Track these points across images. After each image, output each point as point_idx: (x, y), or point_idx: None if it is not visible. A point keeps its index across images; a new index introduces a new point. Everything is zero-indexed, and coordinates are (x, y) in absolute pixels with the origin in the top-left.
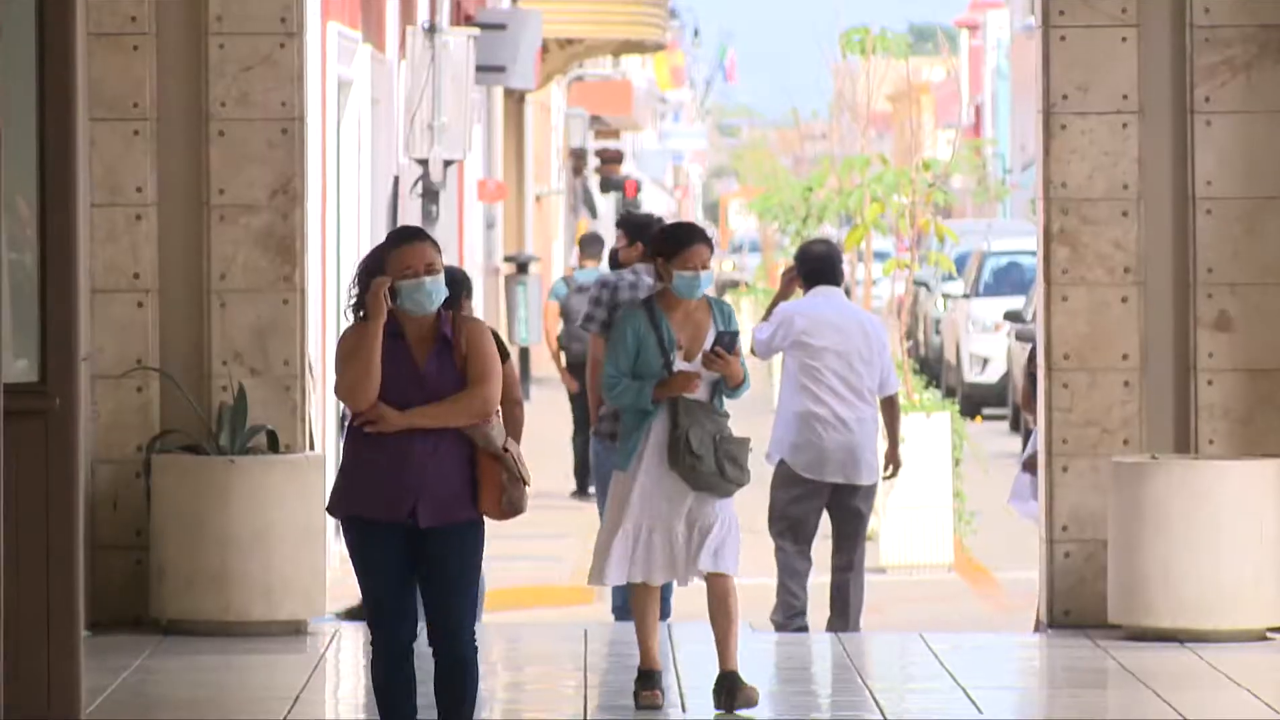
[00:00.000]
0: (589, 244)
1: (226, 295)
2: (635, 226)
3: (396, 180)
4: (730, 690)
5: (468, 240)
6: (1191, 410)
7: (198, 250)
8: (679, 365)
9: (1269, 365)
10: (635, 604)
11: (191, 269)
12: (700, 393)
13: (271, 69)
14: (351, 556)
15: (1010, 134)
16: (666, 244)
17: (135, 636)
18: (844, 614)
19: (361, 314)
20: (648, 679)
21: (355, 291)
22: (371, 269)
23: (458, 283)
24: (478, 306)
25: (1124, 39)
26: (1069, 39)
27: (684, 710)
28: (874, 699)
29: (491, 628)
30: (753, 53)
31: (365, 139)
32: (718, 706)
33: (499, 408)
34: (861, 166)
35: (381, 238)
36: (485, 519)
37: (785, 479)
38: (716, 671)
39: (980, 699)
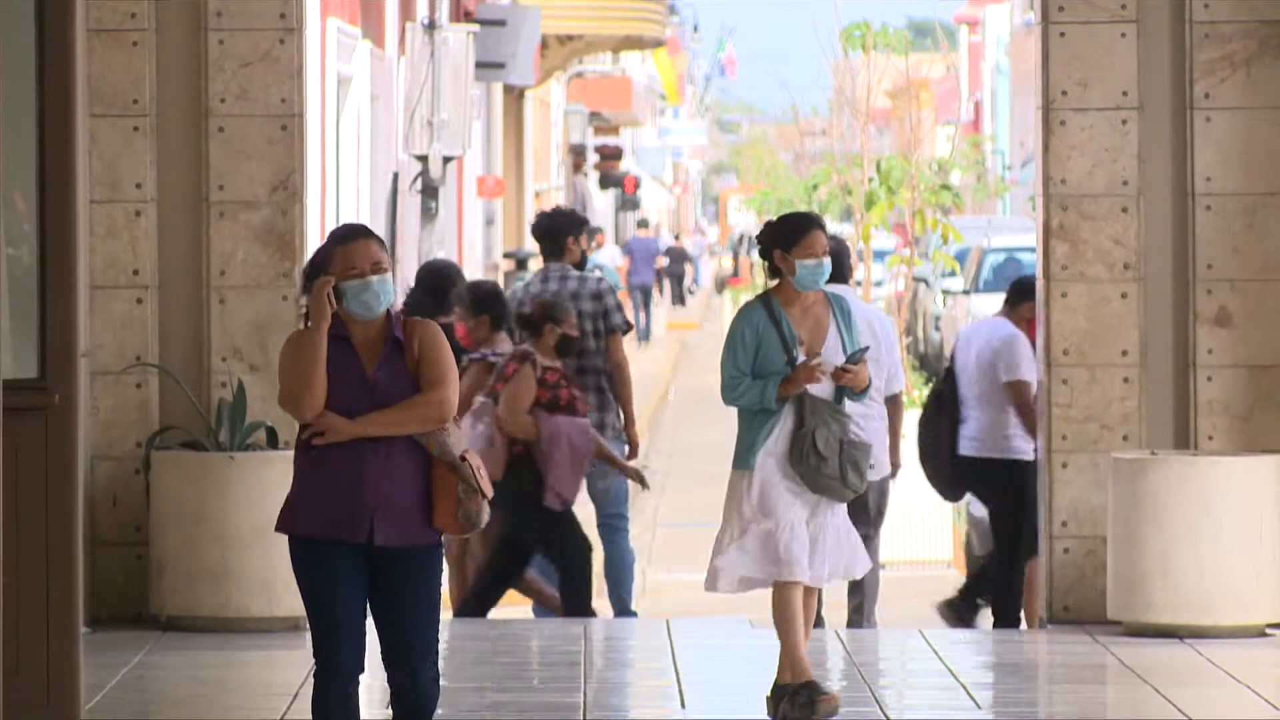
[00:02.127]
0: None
1: (226, 291)
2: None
3: (396, 176)
4: (810, 700)
5: (467, 236)
6: (1191, 406)
7: (197, 246)
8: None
9: (1269, 361)
10: (782, 608)
11: (191, 265)
12: (824, 389)
13: (271, 65)
14: (298, 577)
15: (1010, 130)
16: (784, 234)
17: (135, 633)
18: (859, 609)
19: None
20: (810, 689)
21: (304, 301)
22: (316, 271)
23: (446, 276)
24: None
25: (1123, 35)
26: (1068, 35)
27: (683, 708)
28: (874, 695)
29: (491, 624)
30: (752, 49)
31: (365, 135)
32: (780, 715)
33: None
34: (880, 168)
35: (381, 233)
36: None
37: None
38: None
39: (980, 695)
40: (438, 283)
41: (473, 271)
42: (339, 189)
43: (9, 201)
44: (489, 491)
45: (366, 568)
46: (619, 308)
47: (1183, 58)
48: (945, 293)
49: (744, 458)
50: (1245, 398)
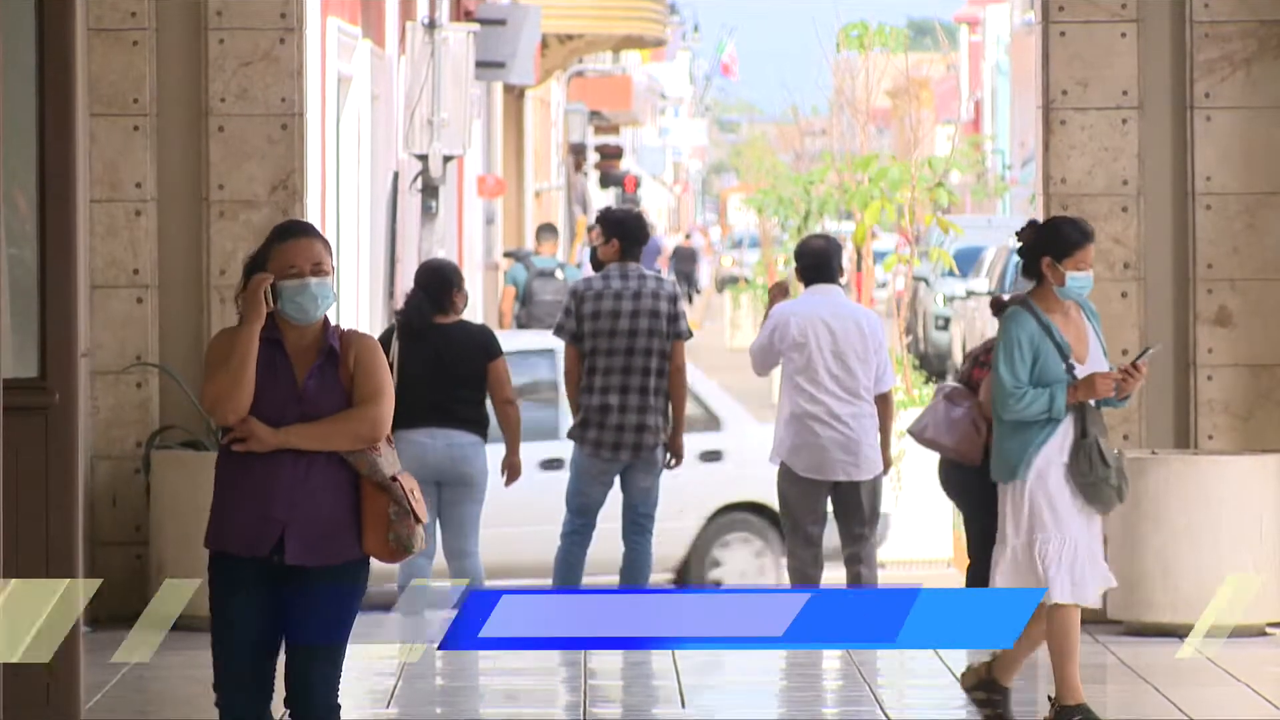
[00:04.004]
0: (544, 232)
1: (226, 291)
2: (613, 224)
3: (396, 176)
4: None
5: (467, 236)
6: (1191, 406)
7: (197, 246)
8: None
9: (1269, 360)
10: (1064, 628)
11: (191, 264)
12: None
13: (271, 64)
14: (209, 598)
15: (1010, 130)
16: (1057, 243)
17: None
18: None
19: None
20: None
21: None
22: (255, 267)
23: (446, 276)
24: (476, 304)
25: (1123, 34)
26: (1069, 34)
27: (683, 707)
28: (874, 695)
29: None
30: (752, 48)
31: (365, 135)
32: None
33: (381, 428)
34: (868, 165)
35: (381, 233)
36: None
37: (787, 479)
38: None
39: None
40: (439, 283)
41: (471, 272)
42: (339, 188)
43: (11, 201)
44: (423, 515)
45: (277, 591)
46: (684, 315)
47: (1183, 57)
48: (970, 293)
49: (1012, 469)
50: (1245, 397)
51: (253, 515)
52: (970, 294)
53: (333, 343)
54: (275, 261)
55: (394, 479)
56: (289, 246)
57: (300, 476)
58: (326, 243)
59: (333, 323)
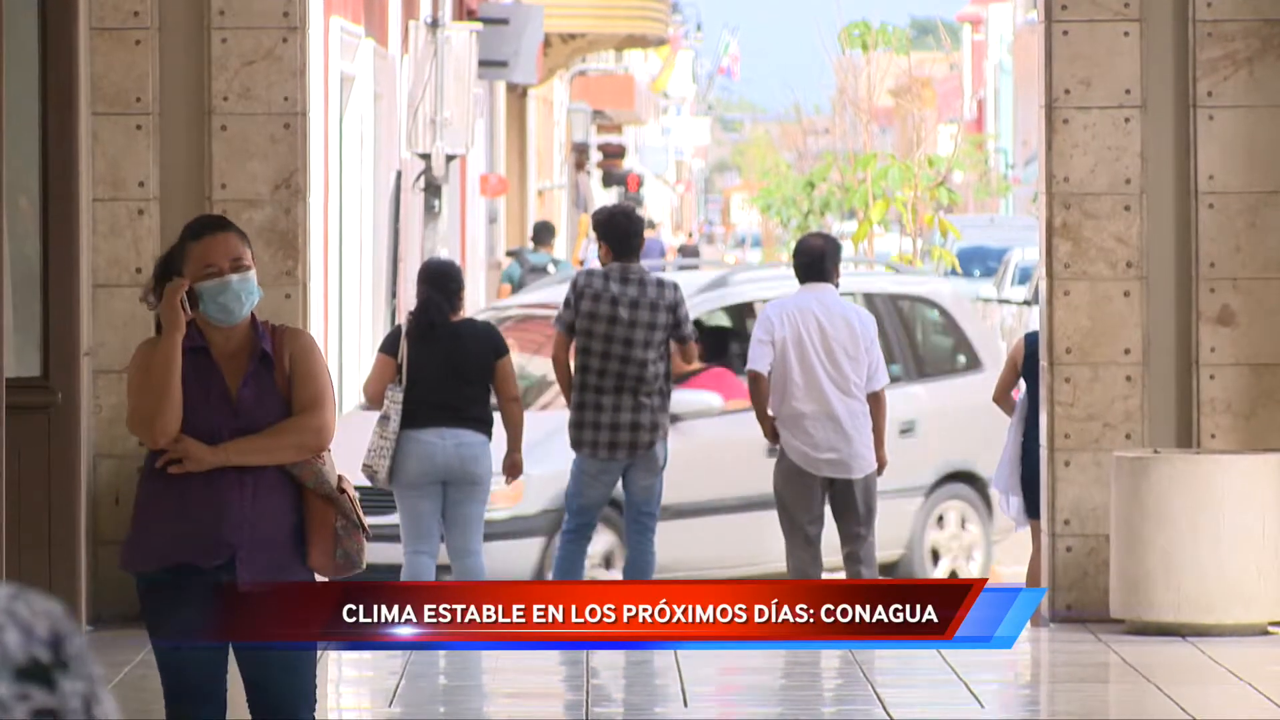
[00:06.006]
0: (541, 231)
1: None
2: (598, 226)
3: (399, 175)
4: None
5: (470, 235)
6: (1193, 405)
7: None
8: None
9: (1271, 360)
10: None
11: None
12: None
13: (274, 64)
14: (147, 624)
15: (1013, 129)
16: None
17: (136, 631)
18: None
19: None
20: None
21: (154, 300)
22: (168, 271)
23: (455, 275)
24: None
25: (1126, 33)
26: (1071, 33)
27: (685, 706)
28: (876, 694)
29: None
30: (755, 48)
31: (368, 134)
32: None
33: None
34: (868, 164)
35: (384, 232)
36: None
37: (783, 477)
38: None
39: (982, 694)
40: (450, 282)
41: (474, 271)
42: (342, 188)
43: (13, 200)
44: (368, 529)
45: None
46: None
47: (1185, 56)
48: (1003, 302)
49: None
50: (1247, 396)
51: (203, 532)
52: (1005, 302)
53: (265, 346)
54: (190, 262)
55: (340, 489)
56: (203, 244)
57: (246, 495)
58: (243, 235)
59: (316, 322)
